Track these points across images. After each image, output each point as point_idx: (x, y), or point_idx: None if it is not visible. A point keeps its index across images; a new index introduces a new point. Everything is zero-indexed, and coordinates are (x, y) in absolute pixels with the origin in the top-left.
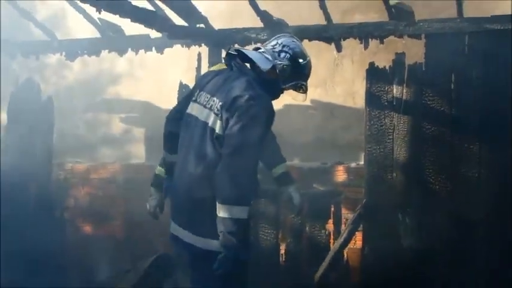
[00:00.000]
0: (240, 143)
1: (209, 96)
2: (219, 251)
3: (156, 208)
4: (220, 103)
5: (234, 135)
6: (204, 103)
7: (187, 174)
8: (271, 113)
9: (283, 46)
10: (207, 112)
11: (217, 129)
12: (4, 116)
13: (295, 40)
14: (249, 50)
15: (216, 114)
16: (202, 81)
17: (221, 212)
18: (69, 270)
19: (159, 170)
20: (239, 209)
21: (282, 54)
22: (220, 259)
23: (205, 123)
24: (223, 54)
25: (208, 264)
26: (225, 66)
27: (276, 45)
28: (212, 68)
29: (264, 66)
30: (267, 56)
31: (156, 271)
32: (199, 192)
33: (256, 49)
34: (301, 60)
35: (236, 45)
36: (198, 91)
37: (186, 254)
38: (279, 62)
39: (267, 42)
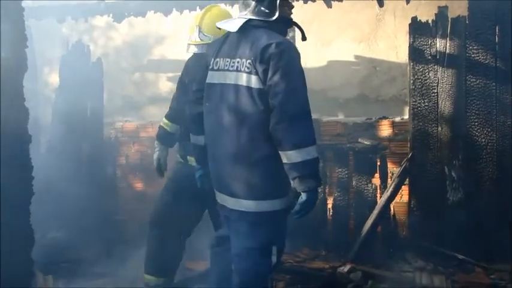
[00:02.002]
0: (288, 87)
1: (229, 59)
2: (271, 211)
3: (158, 161)
4: (249, 60)
5: (278, 82)
6: (226, 67)
7: (228, 141)
8: (298, 51)
9: None
10: (234, 74)
11: (255, 84)
12: (56, 79)
13: None
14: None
15: (248, 72)
16: (212, 50)
17: (293, 158)
18: (122, 226)
19: (165, 123)
20: (310, 149)
21: None
22: (303, 202)
23: (236, 85)
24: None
25: (259, 226)
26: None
27: None
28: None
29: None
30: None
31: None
32: (250, 155)
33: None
34: None
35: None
36: (212, 60)
37: (234, 221)
38: (253, 7)
39: None
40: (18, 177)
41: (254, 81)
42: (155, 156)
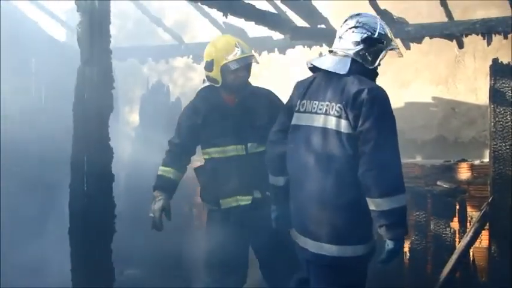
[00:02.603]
0: (380, 135)
1: (317, 102)
2: (353, 256)
3: (161, 212)
4: (339, 104)
5: (370, 129)
6: (314, 110)
7: (313, 184)
8: (389, 98)
9: (357, 28)
10: (322, 118)
11: (344, 129)
12: (136, 117)
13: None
14: (323, 58)
15: (338, 116)
16: (299, 92)
17: (381, 206)
18: (197, 264)
19: (165, 170)
20: (400, 197)
21: (359, 36)
22: (390, 251)
23: (324, 129)
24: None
25: (341, 271)
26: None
27: (352, 35)
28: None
29: (342, 71)
30: (341, 56)
31: None
32: (335, 199)
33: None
34: (377, 34)
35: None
36: (298, 101)
37: (315, 265)
38: (358, 49)
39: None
40: (101, 216)
41: (344, 126)
42: (157, 206)
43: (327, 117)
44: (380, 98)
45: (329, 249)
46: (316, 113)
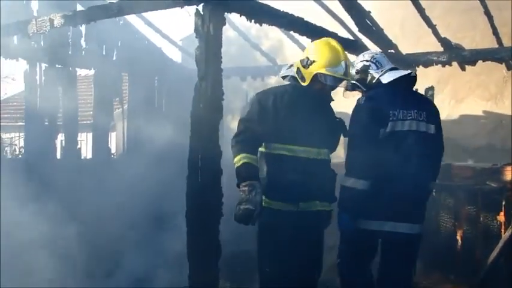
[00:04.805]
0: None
1: (405, 111)
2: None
3: (259, 204)
4: (425, 112)
5: (441, 130)
6: (406, 117)
7: (413, 176)
8: None
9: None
10: (415, 123)
11: (432, 131)
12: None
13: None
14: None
15: (427, 122)
16: (385, 105)
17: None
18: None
19: (252, 158)
20: None
21: None
22: None
23: (418, 132)
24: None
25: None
26: None
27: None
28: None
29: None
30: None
31: None
32: (427, 188)
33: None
34: None
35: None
36: (390, 112)
37: (403, 242)
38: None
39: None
40: (211, 202)
41: (432, 128)
42: (258, 198)
43: (419, 123)
44: None
45: (415, 229)
46: (412, 119)
